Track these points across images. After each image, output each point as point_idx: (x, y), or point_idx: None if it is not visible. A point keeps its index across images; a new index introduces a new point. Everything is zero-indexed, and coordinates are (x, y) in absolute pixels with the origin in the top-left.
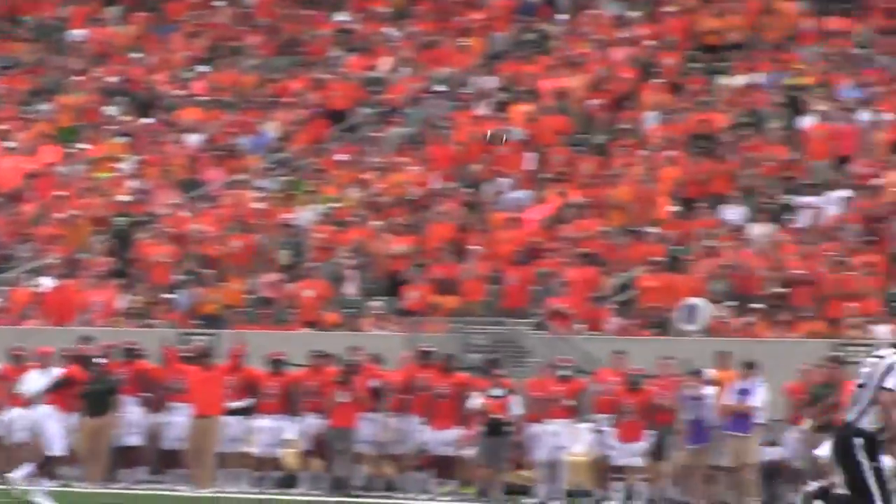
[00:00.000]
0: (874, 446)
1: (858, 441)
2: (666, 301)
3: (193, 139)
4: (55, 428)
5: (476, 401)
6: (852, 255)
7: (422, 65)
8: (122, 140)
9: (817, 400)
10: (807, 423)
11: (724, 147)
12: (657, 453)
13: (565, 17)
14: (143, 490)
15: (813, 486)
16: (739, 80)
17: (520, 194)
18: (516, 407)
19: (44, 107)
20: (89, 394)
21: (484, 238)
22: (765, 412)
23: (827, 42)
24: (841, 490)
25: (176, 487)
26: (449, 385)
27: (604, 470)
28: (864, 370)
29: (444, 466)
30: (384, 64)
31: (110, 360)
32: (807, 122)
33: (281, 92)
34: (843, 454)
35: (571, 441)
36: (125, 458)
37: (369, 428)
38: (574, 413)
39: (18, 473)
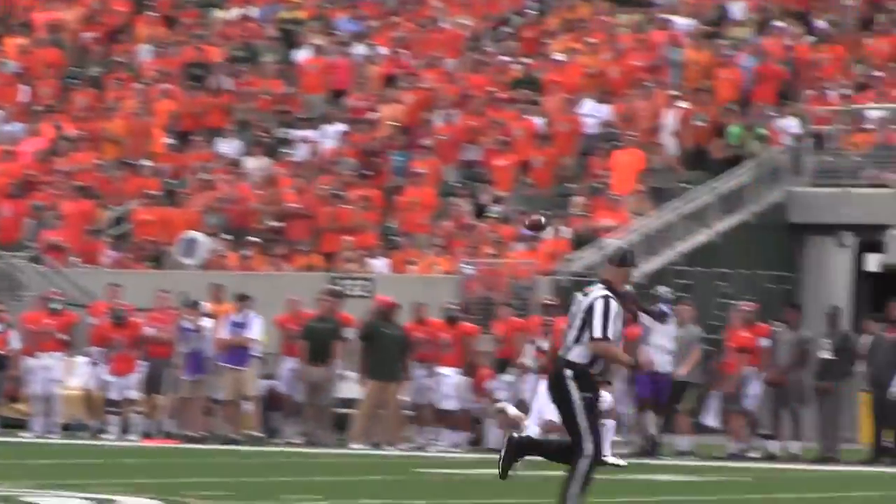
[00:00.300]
0: (586, 379)
1: (569, 373)
2: (162, 235)
3: None
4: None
5: None
6: (348, 188)
7: None
8: None
9: (313, 333)
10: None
11: (219, 80)
12: (152, 386)
13: None
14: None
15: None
16: (233, 13)
17: (13, 127)
18: (14, 341)
19: None
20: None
21: None
22: (260, 345)
23: None
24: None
25: None
26: None
27: (99, 403)
28: (572, 308)
29: None
30: None
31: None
32: (302, 55)
33: None
34: (556, 388)
35: (66, 374)
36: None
37: None
38: (68, 347)
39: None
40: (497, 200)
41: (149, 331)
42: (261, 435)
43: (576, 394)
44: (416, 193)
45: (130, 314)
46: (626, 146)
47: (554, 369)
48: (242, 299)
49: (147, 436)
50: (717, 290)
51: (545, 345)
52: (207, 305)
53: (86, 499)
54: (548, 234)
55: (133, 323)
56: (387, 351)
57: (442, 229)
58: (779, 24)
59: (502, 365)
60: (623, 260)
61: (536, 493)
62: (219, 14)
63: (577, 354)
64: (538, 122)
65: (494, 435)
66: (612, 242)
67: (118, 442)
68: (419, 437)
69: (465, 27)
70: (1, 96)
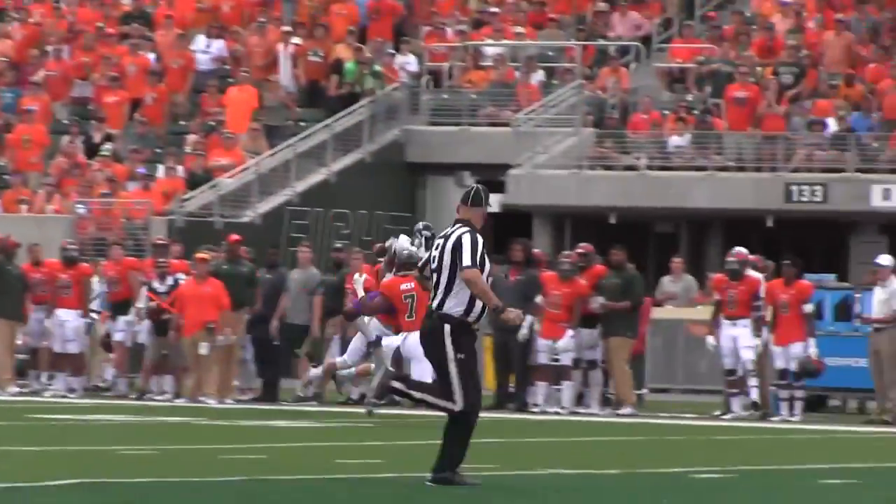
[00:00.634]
0: (465, 334)
1: (447, 328)
2: None
3: None
4: None
5: None
6: None
7: None
8: None
9: None
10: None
11: None
12: None
13: None
14: None
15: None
16: None
17: None
18: None
19: None
20: None
21: None
22: None
23: None
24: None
25: None
26: None
27: None
28: (434, 253)
29: None
30: None
31: None
32: None
33: None
34: (432, 342)
35: None
36: None
37: None
38: None
39: None
40: (109, 138)
41: None
42: None
43: (451, 352)
44: (27, 131)
45: None
46: (240, 83)
47: (429, 324)
48: None
49: None
50: (335, 231)
51: (158, 286)
52: None
53: None
54: (160, 172)
55: None
56: (12, 290)
57: (54, 168)
58: None
59: (118, 307)
60: (477, 199)
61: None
62: None
63: (452, 305)
64: (150, 57)
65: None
66: (227, 182)
67: None
68: (35, 382)
69: None
70: None
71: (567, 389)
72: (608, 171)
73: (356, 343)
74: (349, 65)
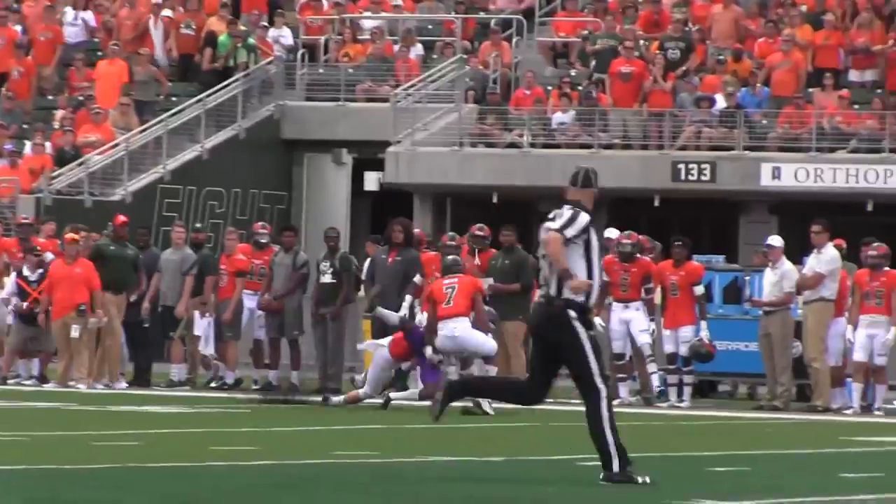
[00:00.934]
0: (584, 316)
1: (571, 313)
2: None
3: None
4: None
5: None
6: None
7: None
8: None
9: None
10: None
11: None
12: None
13: None
14: None
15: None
16: None
17: None
18: None
19: None
20: None
21: None
22: None
23: None
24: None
25: None
26: None
27: None
28: (543, 237)
29: None
30: None
31: None
32: None
33: None
34: (553, 328)
35: None
36: None
37: None
38: None
39: None
40: None
41: None
42: None
43: (582, 332)
44: None
45: None
46: (110, 57)
47: (549, 311)
48: None
49: None
50: (209, 210)
51: (29, 275)
52: None
53: None
54: (28, 149)
55: None
56: None
57: None
58: None
59: None
60: (587, 180)
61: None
62: None
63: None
64: (17, 30)
65: None
66: (96, 159)
67: None
68: None
69: None
70: None
71: (452, 375)
72: (490, 148)
73: (376, 372)
74: (222, 38)
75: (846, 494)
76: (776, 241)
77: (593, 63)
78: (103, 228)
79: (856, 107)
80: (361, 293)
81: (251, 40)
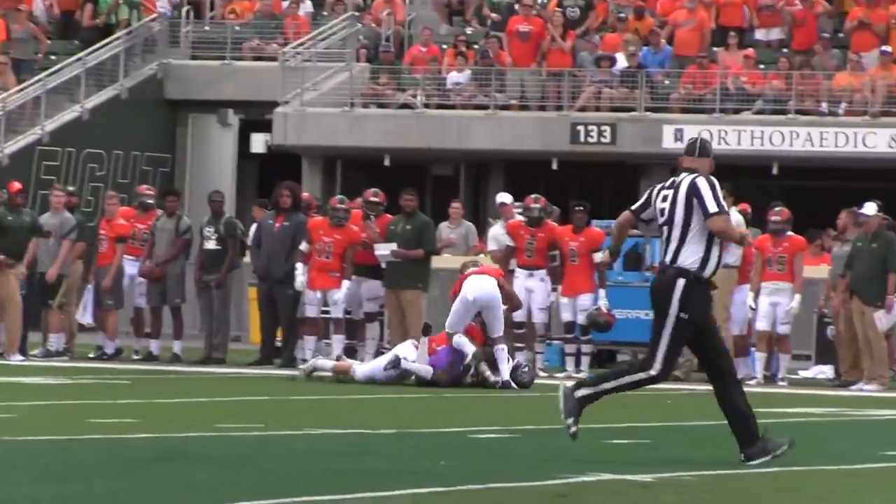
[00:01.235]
0: (694, 290)
1: (680, 283)
2: None
3: None
4: None
5: None
6: None
7: None
8: None
9: None
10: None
11: None
12: None
13: None
14: None
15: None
16: None
17: None
18: None
19: None
20: None
21: None
22: None
23: None
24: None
25: None
26: None
27: None
28: (661, 205)
29: None
30: None
31: None
32: None
33: None
34: (662, 298)
35: None
36: None
37: None
38: None
39: None
40: None
41: None
42: None
43: (675, 310)
44: None
45: None
46: None
47: (662, 279)
48: None
49: None
50: (89, 173)
51: None
52: None
53: None
54: None
55: None
56: None
57: None
58: None
59: None
60: (704, 148)
61: None
62: None
63: (687, 257)
64: None
65: None
66: None
67: None
68: None
69: None
70: None
71: (337, 343)
72: (382, 109)
73: (379, 361)
74: None
75: (747, 468)
76: None
77: (490, 21)
78: None
79: (761, 66)
80: (247, 259)
81: None
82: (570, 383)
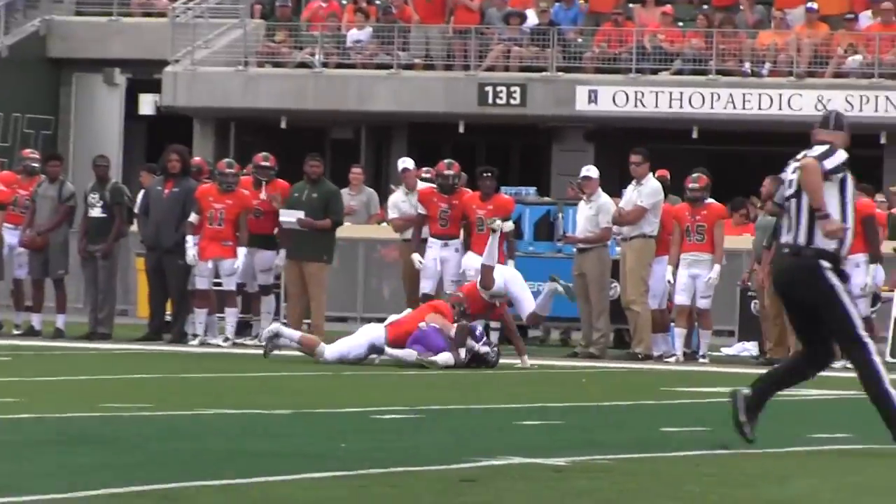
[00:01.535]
0: (836, 267)
1: (825, 264)
2: None
3: None
4: None
5: None
6: None
7: None
8: None
9: None
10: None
11: None
12: None
13: None
14: None
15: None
16: None
17: None
18: None
19: None
20: None
21: None
22: None
23: None
24: None
25: None
26: None
27: None
28: (791, 176)
29: None
30: None
31: None
32: None
33: None
34: (805, 282)
35: None
36: None
37: None
38: None
39: None
40: None
41: None
42: None
43: (837, 283)
44: None
45: None
46: None
47: (798, 262)
48: None
49: None
50: None
51: None
52: None
53: None
54: None
55: None
56: None
57: None
58: None
59: None
60: (839, 122)
61: None
62: None
63: (822, 237)
64: None
65: None
66: None
67: None
68: None
69: None
70: None
71: (231, 317)
72: (278, 68)
73: (358, 340)
74: None
75: (667, 451)
76: (592, 171)
77: None
78: None
79: (680, 24)
80: (134, 228)
81: None
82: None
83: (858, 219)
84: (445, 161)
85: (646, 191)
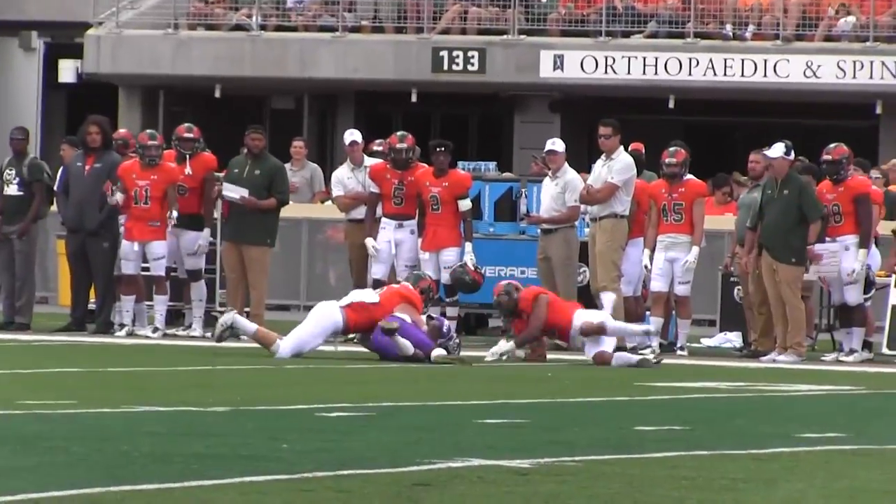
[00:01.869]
0: None
1: None
2: None
3: None
4: None
5: None
6: None
7: None
8: None
9: None
10: None
11: None
12: None
13: None
14: None
15: None
16: None
17: None
18: None
19: None
20: None
21: None
22: None
23: None
24: None
25: None
26: None
27: None
28: None
29: None
30: None
31: None
32: None
33: None
34: None
35: None
36: None
37: None
38: None
39: None
40: None
41: None
42: None
43: None
44: None
45: None
46: None
47: None
48: None
49: None
50: None
51: None
52: None
53: None
54: None
55: None
56: None
57: None
58: None
59: None
60: None
61: None
62: None
63: None
64: None
65: None
66: None
67: None
68: None
69: None
70: None
71: (161, 305)
72: (212, 31)
73: (313, 329)
74: None
75: (640, 451)
76: (558, 144)
77: None
78: None
79: None
80: (54, 207)
81: None
82: None
83: (850, 197)
84: (398, 133)
85: (617, 166)
